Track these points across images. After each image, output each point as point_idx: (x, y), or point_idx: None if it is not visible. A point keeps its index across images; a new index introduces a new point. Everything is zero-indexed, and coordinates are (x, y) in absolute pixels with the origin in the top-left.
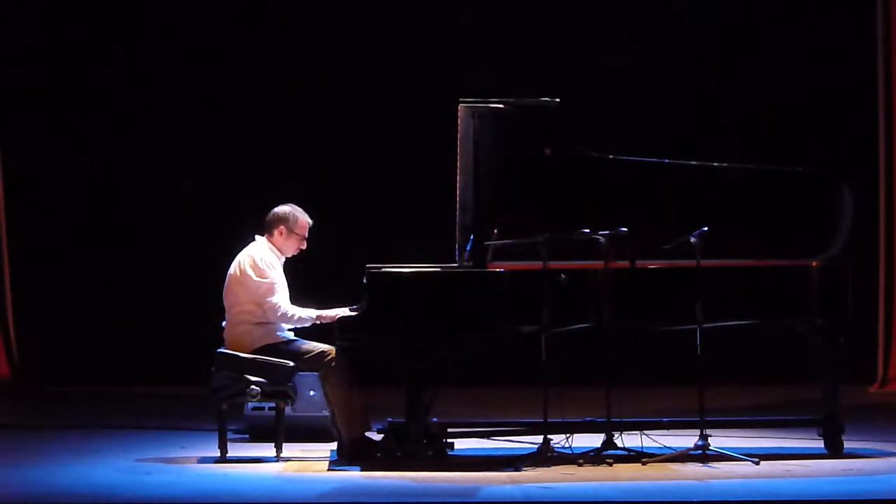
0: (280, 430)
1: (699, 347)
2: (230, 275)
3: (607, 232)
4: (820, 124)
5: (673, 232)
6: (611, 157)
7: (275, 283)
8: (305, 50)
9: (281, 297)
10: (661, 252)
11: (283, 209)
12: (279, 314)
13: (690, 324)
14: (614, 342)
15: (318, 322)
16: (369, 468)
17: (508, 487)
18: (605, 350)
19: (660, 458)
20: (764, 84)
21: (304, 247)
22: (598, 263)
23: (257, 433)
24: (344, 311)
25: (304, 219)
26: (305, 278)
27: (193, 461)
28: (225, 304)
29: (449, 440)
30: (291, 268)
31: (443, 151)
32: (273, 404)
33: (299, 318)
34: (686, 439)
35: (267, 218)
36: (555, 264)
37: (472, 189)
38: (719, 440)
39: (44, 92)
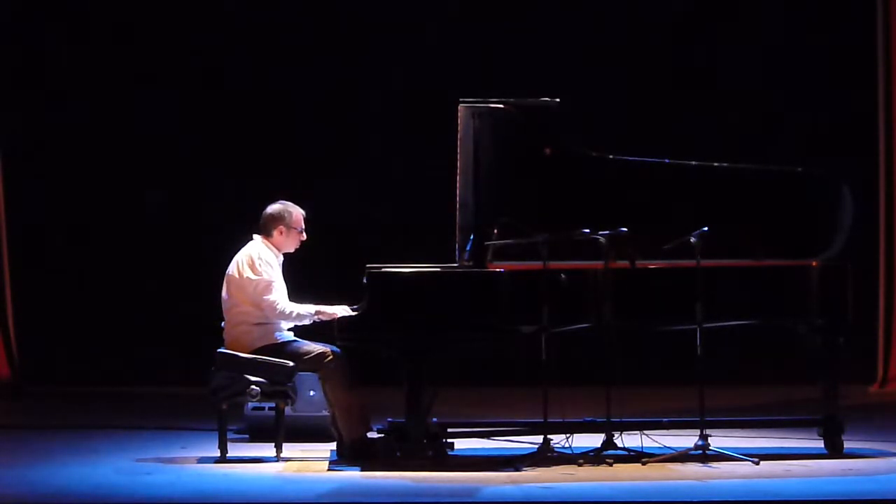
0: (280, 430)
1: (699, 347)
2: (229, 275)
3: (607, 232)
4: (820, 124)
5: (673, 232)
6: (611, 157)
7: (272, 281)
8: (305, 49)
9: (279, 294)
10: (661, 252)
11: (275, 209)
12: (277, 311)
13: (690, 324)
14: (614, 342)
15: (316, 318)
16: (369, 468)
17: (508, 487)
18: (605, 350)
19: (660, 458)
20: (764, 84)
21: (304, 238)
22: (598, 263)
23: (257, 433)
24: (343, 309)
25: (297, 212)
26: (305, 278)
27: (193, 461)
28: (224, 304)
29: (449, 440)
30: (291, 267)
31: (443, 151)
32: (273, 404)
33: (297, 314)
34: (686, 439)
35: (261, 220)
36: (555, 264)
37: (472, 189)
38: (719, 440)
39: (43, 92)
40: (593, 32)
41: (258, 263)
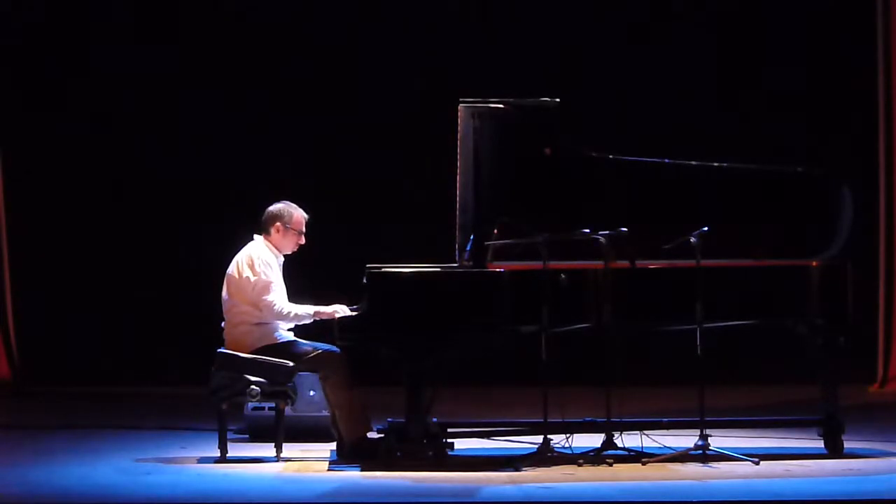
0: (280, 430)
1: (699, 347)
2: (228, 275)
3: (607, 232)
4: (820, 124)
5: (673, 232)
6: (611, 157)
7: (271, 282)
8: (306, 49)
9: (277, 295)
10: (661, 252)
11: (276, 206)
12: (275, 312)
13: (690, 324)
14: (614, 342)
15: (315, 318)
16: (369, 468)
17: (508, 487)
18: (605, 350)
19: (660, 458)
20: (764, 83)
21: (302, 242)
22: (598, 263)
23: (257, 433)
24: (342, 308)
25: (298, 214)
26: (305, 278)
27: (193, 461)
28: (224, 304)
29: (449, 440)
30: (291, 268)
31: (443, 151)
32: (273, 404)
33: (296, 315)
34: (686, 439)
35: (262, 217)
36: (555, 264)
37: (472, 189)
38: (719, 440)
39: (44, 92)
40: (593, 32)
41: (257, 264)
